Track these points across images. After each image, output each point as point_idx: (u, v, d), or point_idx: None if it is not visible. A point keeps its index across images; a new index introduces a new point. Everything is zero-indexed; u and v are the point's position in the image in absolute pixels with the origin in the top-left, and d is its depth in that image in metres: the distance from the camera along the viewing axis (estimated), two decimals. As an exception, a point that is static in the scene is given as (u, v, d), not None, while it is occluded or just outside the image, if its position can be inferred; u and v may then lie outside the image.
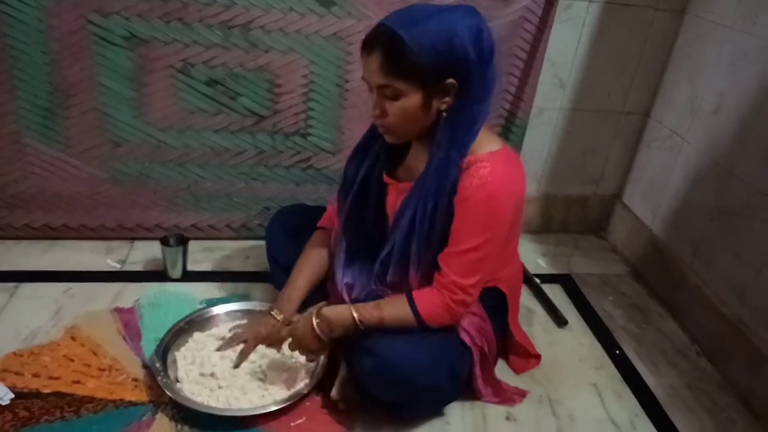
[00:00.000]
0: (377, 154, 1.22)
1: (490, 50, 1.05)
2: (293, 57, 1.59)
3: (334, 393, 1.22)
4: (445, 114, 1.08)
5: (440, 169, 1.10)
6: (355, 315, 1.15)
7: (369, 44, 1.05)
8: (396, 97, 1.06)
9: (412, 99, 1.06)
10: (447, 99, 1.07)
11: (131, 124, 1.61)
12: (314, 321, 1.16)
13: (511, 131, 1.80)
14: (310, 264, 1.34)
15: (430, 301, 1.15)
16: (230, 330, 1.34)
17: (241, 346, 1.27)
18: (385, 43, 1.02)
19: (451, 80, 1.04)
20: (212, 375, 1.24)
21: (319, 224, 1.39)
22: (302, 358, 1.29)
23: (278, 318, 1.27)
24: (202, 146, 1.67)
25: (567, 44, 1.73)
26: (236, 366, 1.25)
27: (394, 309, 1.16)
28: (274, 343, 1.26)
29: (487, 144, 1.12)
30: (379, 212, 1.26)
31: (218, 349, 1.29)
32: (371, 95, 1.10)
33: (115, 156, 1.64)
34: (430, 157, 1.12)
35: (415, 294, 1.16)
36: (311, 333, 1.16)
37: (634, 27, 1.74)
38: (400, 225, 1.17)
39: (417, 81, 1.04)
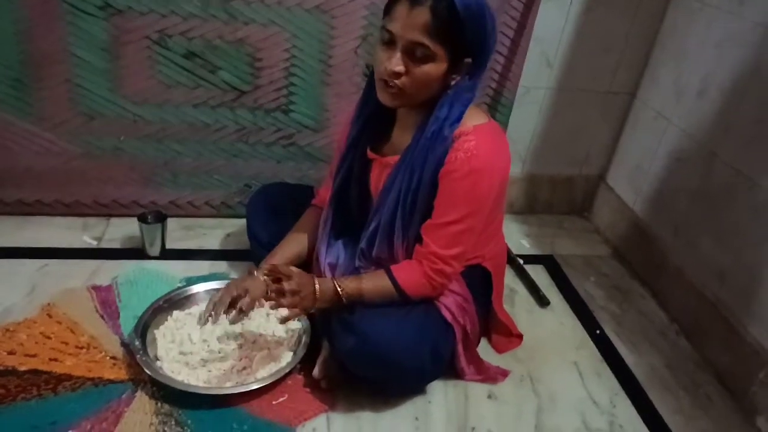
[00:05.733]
0: (360, 129, 1.20)
1: (496, 33, 1.07)
2: (274, 30, 1.55)
3: (316, 372, 1.21)
4: (451, 88, 1.08)
5: (431, 142, 1.09)
6: (337, 286, 1.14)
7: None
8: (425, 59, 1.03)
9: (439, 66, 1.05)
10: (457, 75, 1.07)
11: (106, 97, 1.56)
12: (315, 278, 1.14)
13: (497, 110, 1.78)
14: (297, 233, 1.33)
15: (409, 271, 1.15)
16: (216, 296, 1.25)
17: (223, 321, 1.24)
18: (437, 2, 0.99)
19: (469, 59, 1.05)
20: (192, 353, 1.22)
21: (312, 202, 1.38)
22: (281, 330, 1.27)
23: (255, 272, 1.25)
24: (180, 121, 1.62)
25: (554, 22, 1.71)
26: (206, 321, 1.22)
27: (374, 281, 1.16)
28: (246, 289, 1.20)
29: (473, 117, 1.12)
30: (363, 189, 1.25)
31: (200, 317, 1.25)
32: (383, 52, 1.05)
33: (89, 130, 1.59)
34: (419, 130, 1.11)
35: (394, 267, 1.16)
36: (312, 285, 1.12)
37: (621, 6, 1.72)
38: (386, 201, 1.16)
39: (452, 50, 1.03)
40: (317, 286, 1.13)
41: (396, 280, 1.14)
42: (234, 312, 1.20)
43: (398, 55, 1.03)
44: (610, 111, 1.90)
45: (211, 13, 1.50)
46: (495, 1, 1.61)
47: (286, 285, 1.10)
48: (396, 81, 1.05)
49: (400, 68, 1.04)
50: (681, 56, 1.68)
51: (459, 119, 1.10)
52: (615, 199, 1.93)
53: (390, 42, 1.04)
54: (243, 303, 1.18)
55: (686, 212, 1.62)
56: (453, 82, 1.07)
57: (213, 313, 1.21)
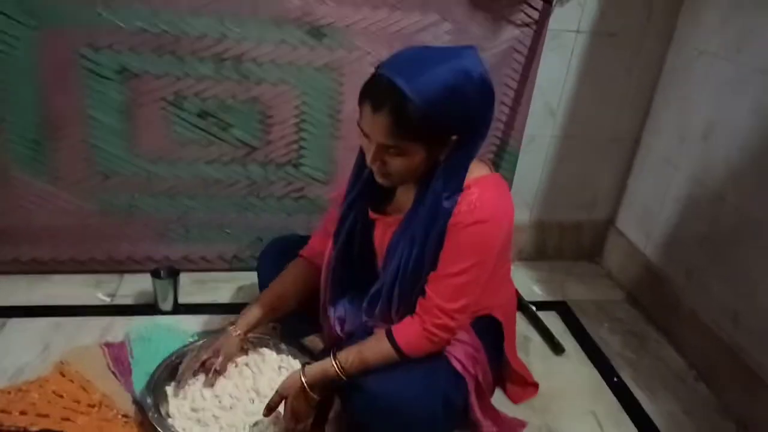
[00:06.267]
0: (361, 190, 1.20)
1: (492, 97, 1.05)
2: (285, 88, 1.60)
3: (328, 428, 1.20)
4: (442, 161, 1.07)
5: (431, 217, 1.09)
6: (336, 369, 1.11)
7: (374, 102, 1.00)
8: (399, 154, 1.04)
9: (416, 156, 1.04)
10: (446, 150, 1.05)
11: (121, 156, 1.60)
12: (303, 381, 1.12)
13: (503, 159, 1.81)
14: (280, 285, 1.31)
15: (409, 332, 1.12)
16: (189, 357, 1.27)
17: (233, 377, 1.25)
18: (394, 105, 0.98)
19: (455, 137, 1.03)
20: (203, 409, 1.21)
21: (301, 252, 1.36)
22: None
23: (229, 328, 1.27)
24: (193, 177, 1.66)
25: (556, 73, 1.76)
26: (211, 385, 1.23)
27: (375, 350, 1.12)
28: (219, 349, 1.24)
29: (473, 170, 1.12)
30: (367, 248, 1.25)
31: (177, 382, 1.24)
32: (364, 140, 1.06)
33: (104, 188, 1.63)
34: (420, 198, 1.11)
35: (395, 329, 1.13)
36: (302, 394, 1.13)
37: (621, 55, 1.77)
38: (389, 268, 1.16)
39: (427, 139, 1.02)
40: (309, 393, 1.12)
41: (399, 346, 1.11)
42: (209, 374, 1.23)
43: (373, 150, 1.04)
44: (615, 157, 1.92)
45: (224, 74, 1.55)
46: (498, 56, 1.67)
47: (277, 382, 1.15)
48: (379, 170, 1.08)
49: (377, 164, 1.06)
50: (683, 101, 1.71)
51: (458, 190, 1.08)
52: (625, 243, 1.93)
53: (364, 135, 1.05)
54: (217, 363, 1.22)
55: (697, 255, 1.62)
56: (443, 156, 1.06)
57: (181, 379, 1.24)
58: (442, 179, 1.08)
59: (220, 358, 1.22)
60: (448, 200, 1.08)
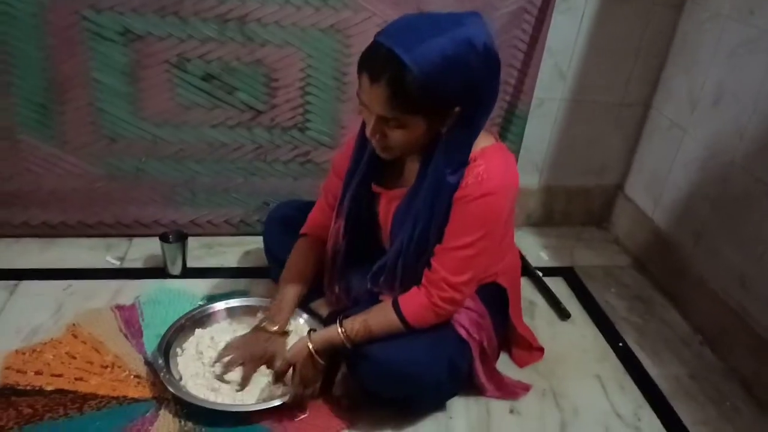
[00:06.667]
0: (365, 163, 1.18)
1: (498, 68, 1.01)
2: (290, 50, 1.58)
3: (336, 389, 1.22)
4: (444, 134, 1.04)
5: (434, 188, 1.07)
6: (342, 337, 1.12)
7: (372, 72, 0.96)
8: (399, 127, 1.01)
9: (416, 128, 1.01)
10: (449, 122, 1.02)
11: (127, 119, 1.59)
12: (310, 347, 1.14)
13: (512, 123, 1.79)
14: (297, 273, 1.30)
15: (415, 304, 1.13)
16: (223, 351, 1.25)
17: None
18: (392, 77, 0.94)
19: (457, 108, 1.00)
20: (215, 372, 1.23)
21: (301, 231, 1.34)
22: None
23: (271, 330, 1.25)
24: (199, 141, 1.65)
25: (567, 34, 1.72)
26: (241, 389, 1.21)
27: (381, 319, 1.13)
28: (272, 358, 1.23)
29: (479, 141, 1.09)
30: (371, 221, 1.24)
31: (217, 376, 1.22)
32: (364, 111, 1.03)
33: (110, 152, 1.63)
34: (422, 172, 1.09)
35: (401, 300, 1.13)
36: (310, 361, 1.14)
37: (633, 17, 1.72)
38: (401, 230, 1.14)
39: (427, 111, 0.99)
40: (317, 359, 1.14)
41: (404, 317, 1.11)
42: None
43: (372, 122, 1.02)
44: (625, 121, 1.89)
45: (228, 36, 1.53)
46: (508, 16, 1.63)
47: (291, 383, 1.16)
48: (379, 143, 1.05)
49: (376, 136, 1.03)
50: (694, 65, 1.67)
51: (463, 164, 1.06)
52: (633, 208, 1.92)
53: (363, 106, 1.02)
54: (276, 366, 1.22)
55: (706, 220, 1.61)
56: (445, 129, 1.03)
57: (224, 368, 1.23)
58: (444, 154, 1.05)
59: (277, 363, 1.22)
60: (453, 175, 1.06)
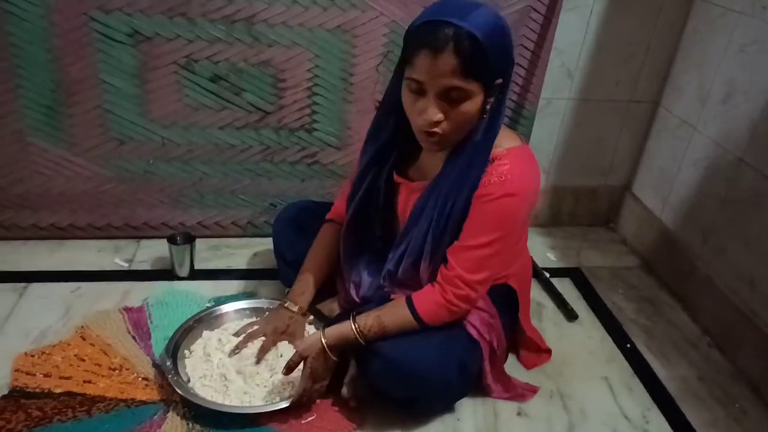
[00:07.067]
0: (388, 154, 1.19)
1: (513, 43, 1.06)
2: (297, 51, 1.57)
3: (344, 391, 1.22)
4: (485, 115, 1.06)
5: (468, 170, 1.08)
6: (355, 333, 1.13)
7: (436, 45, 0.97)
8: (462, 99, 1.01)
9: (477, 100, 1.02)
10: (491, 99, 1.05)
11: (135, 121, 1.60)
12: (323, 342, 1.15)
13: (519, 123, 1.78)
14: (320, 257, 1.33)
15: (430, 301, 1.13)
16: (242, 328, 1.32)
17: (257, 342, 1.27)
18: (457, 43, 0.96)
19: (500, 80, 1.04)
20: (222, 374, 1.23)
21: (327, 217, 1.37)
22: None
23: (293, 309, 1.28)
24: (206, 143, 1.66)
25: (575, 33, 1.71)
26: (257, 362, 1.24)
27: (394, 316, 1.14)
28: (293, 334, 1.27)
29: (505, 140, 1.10)
30: (389, 212, 1.25)
31: (235, 349, 1.27)
32: (414, 98, 1.03)
33: (119, 154, 1.63)
34: (453, 155, 1.10)
35: (415, 296, 1.14)
36: (322, 356, 1.15)
37: (642, 14, 1.71)
38: (416, 226, 1.15)
39: (485, 79, 1.01)
40: (330, 355, 1.15)
41: (418, 314, 1.12)
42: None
43: (433, 103, 1.01)
44: (633, 120, 1.88)
45: (235, 37, 1.53)
46: (515, 15, 1.62)
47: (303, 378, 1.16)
48: (437, 129, 1.04)
49: (439, 117, 1.02)
50: (704, 62, 1.66)
51: (494, 141, 1.08)
52: (641, 208, 1.91)
53: (419, 91, 1.01)
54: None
55: (714, 219, 1.60)
56: (488, 106, 1.05)
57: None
58: (482, 132, 1.07)
59: (270, 338, 1.26)
60: (487, 151, 1.08)
